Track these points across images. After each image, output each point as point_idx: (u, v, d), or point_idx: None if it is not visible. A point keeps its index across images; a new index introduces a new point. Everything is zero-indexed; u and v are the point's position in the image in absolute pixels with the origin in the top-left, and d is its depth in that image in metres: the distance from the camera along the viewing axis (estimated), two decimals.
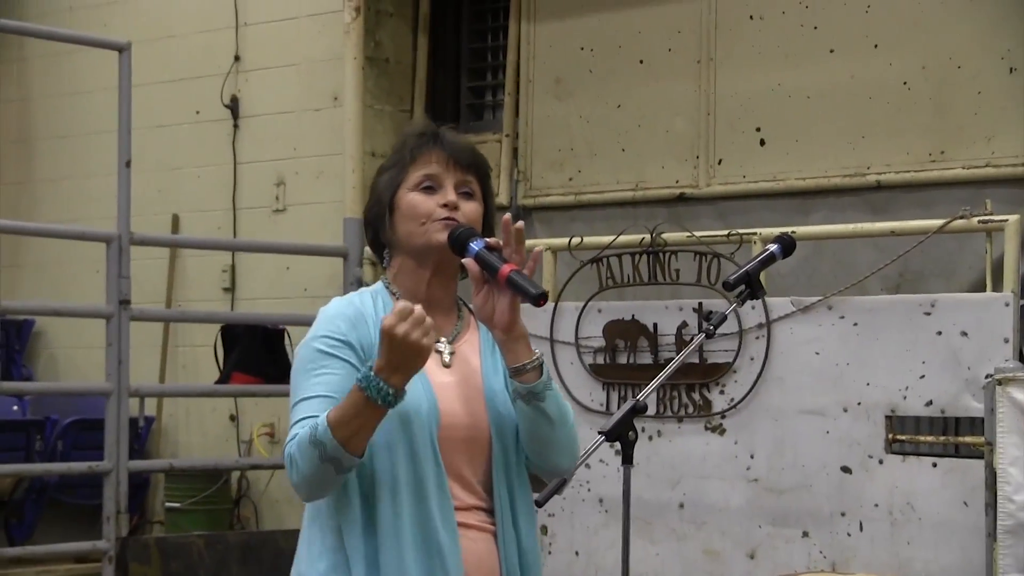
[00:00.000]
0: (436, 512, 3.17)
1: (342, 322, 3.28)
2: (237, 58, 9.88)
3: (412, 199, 3.33)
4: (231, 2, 9.90)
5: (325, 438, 3.06)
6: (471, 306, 3.31)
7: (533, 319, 7.54)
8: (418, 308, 3.03)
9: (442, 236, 3.29)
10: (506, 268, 3.21)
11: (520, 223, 3.28)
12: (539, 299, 3.18)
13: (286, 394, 9.86)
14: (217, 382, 9.11)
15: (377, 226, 3.39)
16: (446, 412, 3.24)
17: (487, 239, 3.28)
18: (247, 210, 9.81)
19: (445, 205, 3.31)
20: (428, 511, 3.17)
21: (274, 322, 9.14)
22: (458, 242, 3.28)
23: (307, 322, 10.17)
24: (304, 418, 3.18)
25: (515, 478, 3.32)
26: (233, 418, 9.68)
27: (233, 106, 9.89)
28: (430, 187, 3.34)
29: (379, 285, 3.41)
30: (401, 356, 3.01)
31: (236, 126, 9.90)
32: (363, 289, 3.43)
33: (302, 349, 3.28)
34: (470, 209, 3.33)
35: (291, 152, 9.61)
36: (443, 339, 3.34)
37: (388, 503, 3.16)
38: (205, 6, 10.04)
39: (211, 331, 9.33)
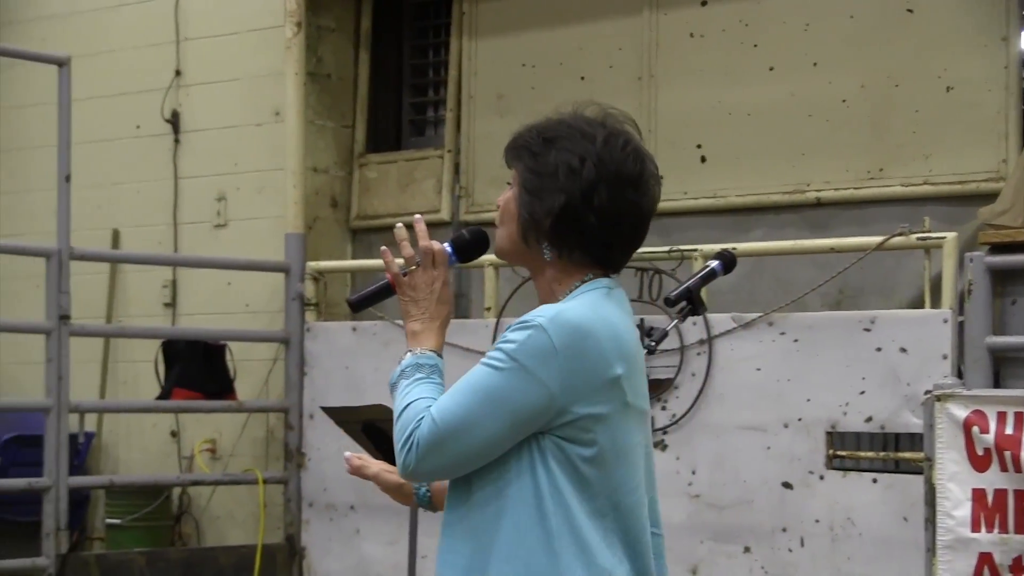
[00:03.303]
0: None
1: None
2: (178, 73, 9.84)
3: None
4: (172, 17, 9.86)
5: None
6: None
7: (474, 334, 7.56)
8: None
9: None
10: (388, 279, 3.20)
11: (398, 226, 3.21)
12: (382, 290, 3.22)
13: (227, 410, 9.82)
14: (158, 398, 9.06)
15: None
16: None
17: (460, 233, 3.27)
18: (188, 225, 9.77)
19: None
20: None
21: (215, 337, 9.11)
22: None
23: (248, 338, 10.12)
24: None
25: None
26: (174, 434, 9.63)
27: (174, 121, 9.85)
28: None
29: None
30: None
31: (177, 141, 9.86)
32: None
33: None
34: (503, 200, 3.20)
35: (232, 167, 9.58)
36: None
37: None
38: (145, 21, 9.99)
39: (152, 346, 9.28)
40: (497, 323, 7.50)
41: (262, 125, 9.46)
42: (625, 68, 8.39)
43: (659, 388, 7.07)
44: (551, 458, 2.97)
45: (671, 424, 7.05)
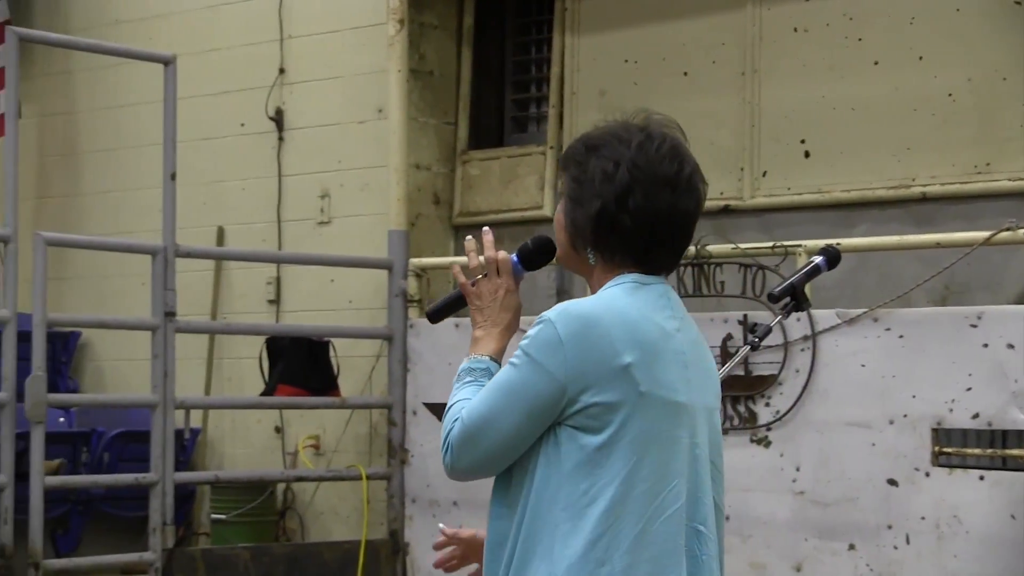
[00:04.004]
0: None
1: None
2: (282, 70, 9.91)
3: None
4: (275, 15, 9.93)
5: None
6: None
7: None
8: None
9: None
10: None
11: (468, 239, 3.38)
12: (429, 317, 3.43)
13: (331, 406, 9.87)
14: (262, 394, 9.13)
15: None
16: None
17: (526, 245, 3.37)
18: (292, 222, 9.84)
19: None
20: None
21: (319, 334, 9.16)
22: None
23: (351, 334, 10.18)
24: None
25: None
26: (278, 430, 9.70)
27: (278, 119, 9.92)
28: None
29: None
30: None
31: (281, 138, 9.93)
32: None
33: None
34: (557, 211, 3.31)
35: (336, 164, 9.63)
36: None
37: None
38: (250, 19, 10.07)
39: (256, 343, 9.35)
40: None
41: (365, 122, 9.51)
42: (728, 63, 8.35)
43: (762, 384, 7.03)
44: (564, 447, 3.06)
45: (775, 420, 7.01)
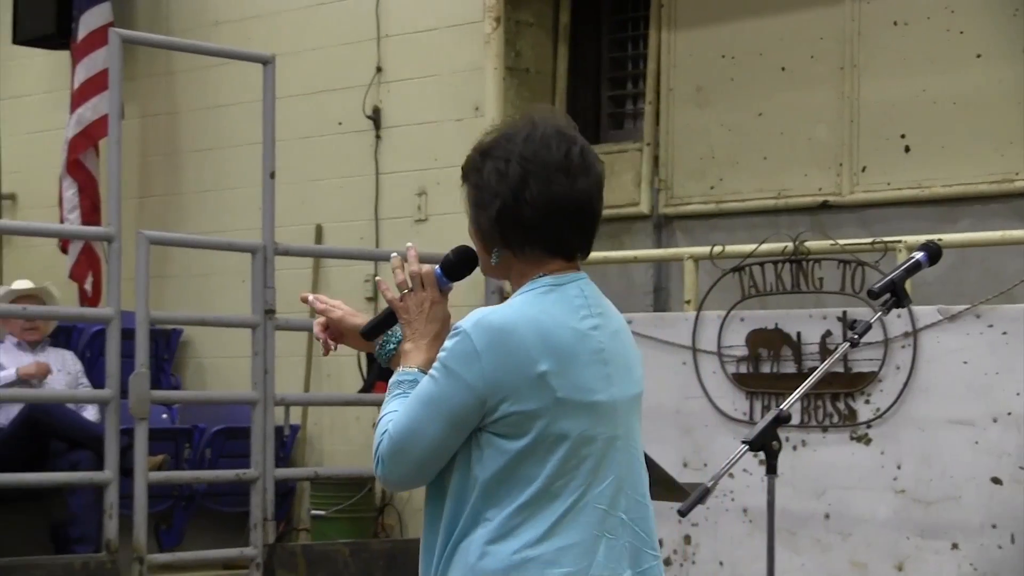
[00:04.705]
0: None
1: None
2: (379, 69, 9.96)
3: None
4: (373, 14, 9.98)
5: None
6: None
7: (673, 327, 7.53)
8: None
9: None
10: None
11: (393, 255, 3.45)
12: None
13: None
14: (361, 391, 9.16)
15: None
16: None
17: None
18: (389, 220, 9.88)
19: None
20: None
21: None
22: None
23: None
24: None
25: None
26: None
27: (375, 117, 9.97)
28: None
29: None
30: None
31: (378, 137, 9.98)
32: None
33: None
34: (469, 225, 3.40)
35: (432, 162, 9.66)
36: None
37: None
38: (347, 18, 10.13)
39: None
40: (697, 316, 7.46)
41: (462, 120, 9.53)
42: (826, 58, 8.29)
43: (862, 381, 6.98)
44: (486, 452, 3.14)
45: (875, 418, 6.95)
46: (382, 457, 3.22)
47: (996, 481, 6.63)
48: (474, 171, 3.29)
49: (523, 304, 3.19)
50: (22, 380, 8.61)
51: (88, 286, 10.44)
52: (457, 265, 3.39)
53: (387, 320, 3.44)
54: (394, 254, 3.45)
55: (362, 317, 3.53)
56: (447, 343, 3.17)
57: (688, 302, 7.81)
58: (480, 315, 3.17)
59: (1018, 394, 6.59)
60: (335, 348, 3.60)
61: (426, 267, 3.39)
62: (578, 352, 3.17)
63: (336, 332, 3.58)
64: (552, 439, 3.12)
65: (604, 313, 3.25)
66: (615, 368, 3.22)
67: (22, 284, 9.01)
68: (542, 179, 3.19)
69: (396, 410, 3.24)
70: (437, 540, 3.19)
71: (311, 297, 3.62)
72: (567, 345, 3.16)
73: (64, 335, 9.61)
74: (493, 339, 3.12)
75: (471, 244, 3.37)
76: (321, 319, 3.58)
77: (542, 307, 3.18)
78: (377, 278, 3.62)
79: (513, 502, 3.11)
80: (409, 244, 3.45)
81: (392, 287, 3.40)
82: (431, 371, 3.19)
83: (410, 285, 3.37)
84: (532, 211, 3.19)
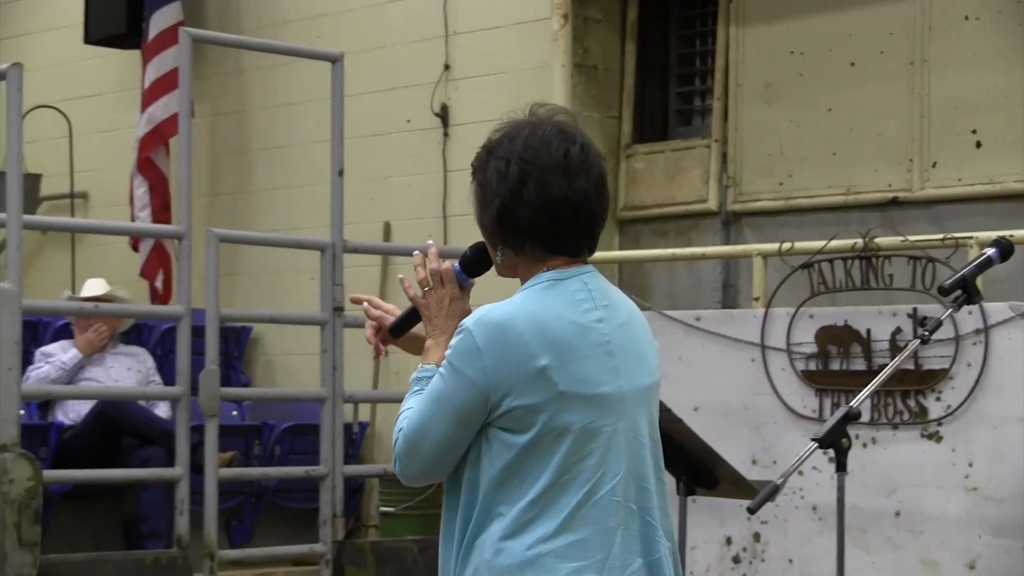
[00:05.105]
0: None
1: None
2: (447, 67, 9.98)
3: None
4: (440, 12, 10.00)
5: None
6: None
7: (742, 325, 7.51)
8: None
9: None
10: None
11: (415, 253, 3.54)
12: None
13: None
14: None
15: None
16: None
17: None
18: (457, 217, 9.89)
19: None
20: None
21: None
22: None
23: None
24: None
25: None
26: None
27: (443, 115, 9.99)
28: None
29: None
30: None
31: (446, 134, 10.00)
32: None
33: None
34: None
35: None
36: None
37: None
38: (415, 16, 10.15)
39: None
40: (766, 313, 7.43)
41: None
42: (897, 53, 8.24)
43: (933, 378, 6.93)
44: (495, 446, 3.20)
45: (946, 415, 6.90)
46: (399, 455, 3.30)
47: None
48: (480, 170, 3.35)
49: (524, 300, 3.25)
50: (86, 356, 8.75)
51: (159, 284, 10.52)
52: (475, 261, 3.44)
53: (411, 317, 3.52)
54: (416, 252, 3.53)
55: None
56: (453, 341, 3.24)
57: (757, 299, 7.79)
58: (482, 312, 3.24)
59: None
60: (386, 354, 3.69)
61: (446, 264, 3.45)
62: (579, 345, 3.21)
63: (387, 336, 3.65)
64: (557, 432, 3.17)
65: (610, 305, 3.29)
66: (623, 359, 3.26)
67: (94, 285, 9.08)
68: (540, 180, 3.25)
69: (412, 407, 3.31)
70: (455, 530, 3.25)
71: (364, 304, 3.68)
72: (567, 339, 3.20)
73: (135, 333, 9.69)
74: (493, 335, 3.18)
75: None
76: (372, 323, 3.63)
77: (542, 302, 3.23)
78: (400, 276, 3.65)
79: (524, 496, 3.17)
80: (430, 241, 3.54)
81: (415, 285, 3.46)
82: (440, 369, 3.26)
83: (430, 283, 3.43)
84: (529, 212, 3.25)
